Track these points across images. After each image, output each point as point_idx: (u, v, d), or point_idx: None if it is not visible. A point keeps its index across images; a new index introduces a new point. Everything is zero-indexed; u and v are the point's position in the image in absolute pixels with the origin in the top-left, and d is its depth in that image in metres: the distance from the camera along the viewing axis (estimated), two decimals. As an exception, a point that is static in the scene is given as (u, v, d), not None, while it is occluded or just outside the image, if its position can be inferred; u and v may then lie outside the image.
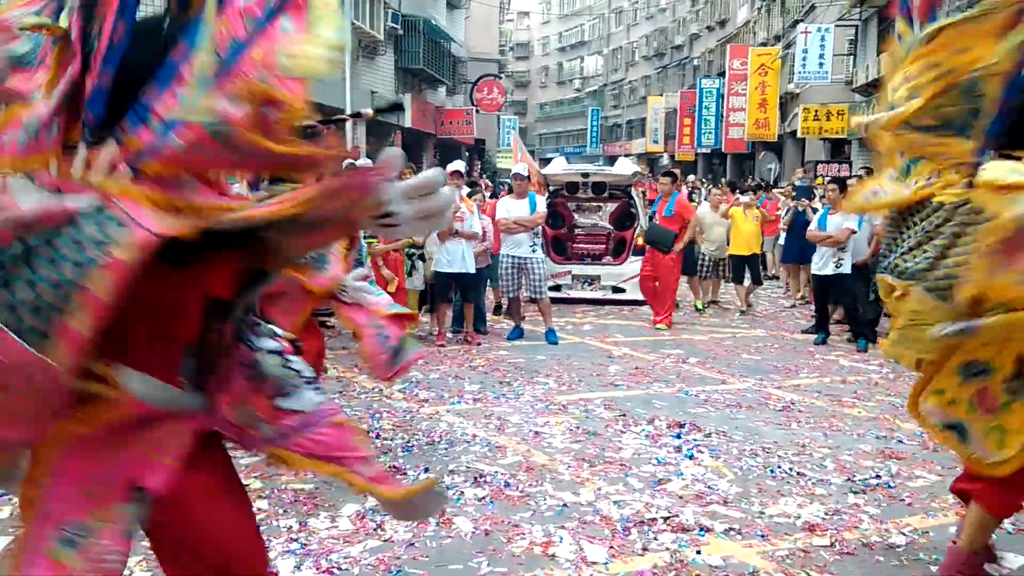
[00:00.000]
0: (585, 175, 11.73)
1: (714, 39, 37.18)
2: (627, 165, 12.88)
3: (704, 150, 34.60)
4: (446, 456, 4.72)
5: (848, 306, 8.62)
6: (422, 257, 8.08)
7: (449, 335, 8.43)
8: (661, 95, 42.66)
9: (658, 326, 9.20)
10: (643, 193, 13.46)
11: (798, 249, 10.39)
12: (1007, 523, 3.54)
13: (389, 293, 7.23)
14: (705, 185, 17.47)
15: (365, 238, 7.41)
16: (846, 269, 8.31)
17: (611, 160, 44.28)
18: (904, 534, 3.74)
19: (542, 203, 8.64)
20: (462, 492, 4.13)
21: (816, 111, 22.35)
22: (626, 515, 3.88)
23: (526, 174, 8.92)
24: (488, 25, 36.82)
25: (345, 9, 17.59)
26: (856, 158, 21.22)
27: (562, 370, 7.08)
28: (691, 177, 12.75)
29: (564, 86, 58.41)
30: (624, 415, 5.63)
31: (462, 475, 4.38)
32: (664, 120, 40.58)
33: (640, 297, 11.03)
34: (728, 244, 10.71)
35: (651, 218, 9.43)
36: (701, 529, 3.74)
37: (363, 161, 9.83)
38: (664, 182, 9.77)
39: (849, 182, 11.61)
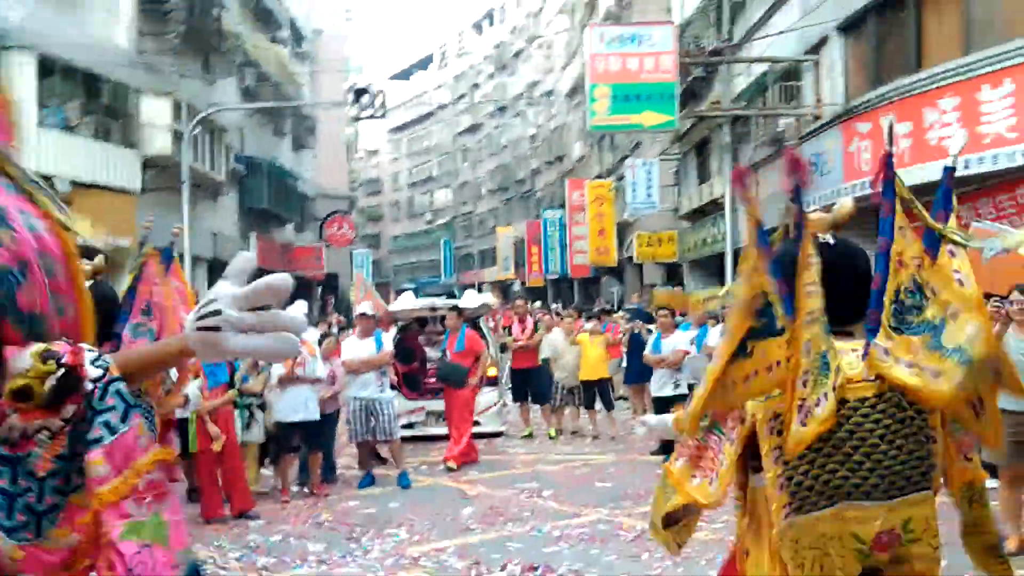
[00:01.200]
0: (433, 308, 11.82)
1: (554, 172, 39.39)
2: (474, 297, 13.12)
3: (552, 276, 35.92)
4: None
5: (691, 425, 8.94)
6: (261, 406, 7.72)
7: (295, 488, 8.00)
8: (509, 225, 44.34)
9: (448, 464, 8.80)
10: (498, 321, 13.70)
11: (639, 369, 10.79)
12: None
13: (212, 452, 6.85)
14: (551, 312, 18.03)
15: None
16: (683, 390, 8.67)
17: (466, 287, 45.16)
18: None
19: (388, 341, 8.58)
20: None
21: (648, 238, 23.87)
22: None
23: (371, 313, 8.87)
24: (337, 163, 37.41)
25: (184, 151, 17.39)
26: (688, 279, 22.66)
27: (415, 517, 6.84)
28: (536, 304, 13.14)
29: (416, 219, 59.66)
30: (477, 563, 5.46)
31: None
32: (513, 248, 42.04)
33: (496, 428, 11.04)
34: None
35: (443, 355, 9.41)
36: None
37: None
38: (451, 316, 9.69)
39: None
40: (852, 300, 2.05)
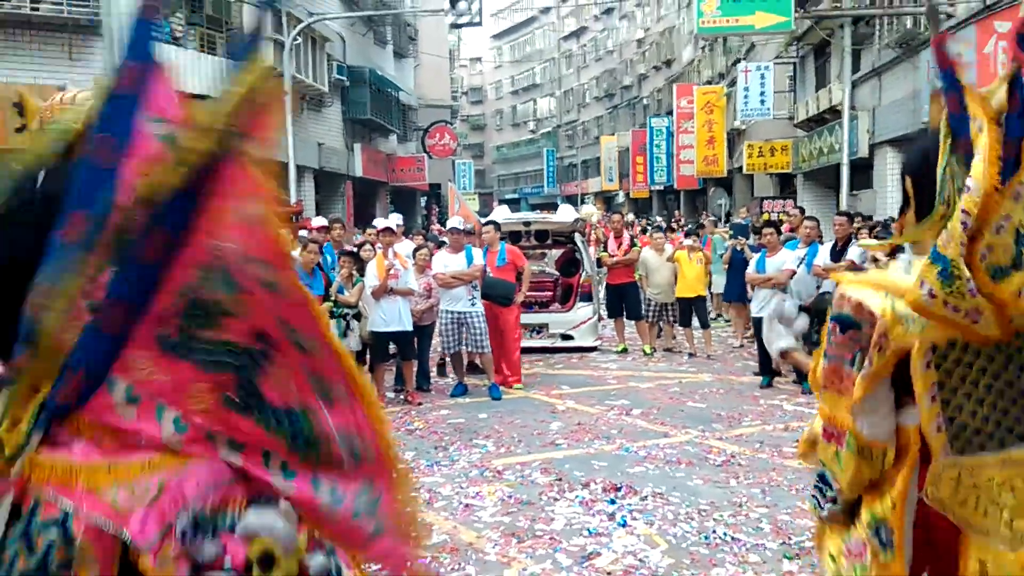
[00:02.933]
0: (527, 224, 11.67)
1: (662, 78, 37.84)
2: (569, 211, 12.87)
3: (658, 187, 34.96)
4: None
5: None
6: (357, 316, 7.86)
7: (391, 395, 8.19)
8: (613, 134, 43.20)
9: (517, 385, 8.61)
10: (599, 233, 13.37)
11: (740, 287, 10.40)
12: None
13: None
14: (652, 224, 17.50)
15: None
16: (787, 311, 8.26)
17: (569, 199, 44.66)
18: (837, 604, 3.59)
19: (479, 255, 8.51)
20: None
21: (760, 147, 22.69)
22: (549, 598, 3.68)
23: (463, 227, 8.79)
24: (439, 72, 37.07)
25: (286, 62, 17.54)
26: (802, 192, 21.54)
27: (502, 429, 6.89)
28: (629, 217, 12.50)
29: (519, 128, 58.98)
30: (560, 479, 5.45)
31: (381, 561, 4.15)
32: (618, 159, 41.05)
33: (590, 343, 10.96)
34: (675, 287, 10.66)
35: (483, 271, 8.85)
36: (627, 610, 3.55)
37: (318, 221, 9.64)
38: (488, 231, 9.26)
39: (792, 215, 11.74)
40: None
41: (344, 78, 22.59)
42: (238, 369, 1.23)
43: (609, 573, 3.96)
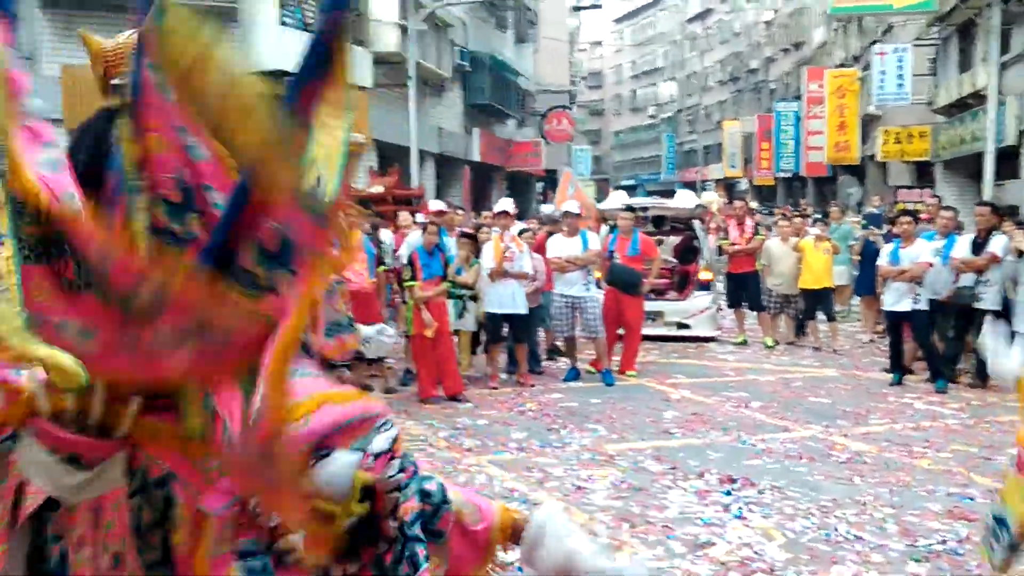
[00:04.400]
0: (645, 209, 11.52)
1: (790, 62, 36.38)
2: (689, 197, 12.60)
3: (784, 174, 33.71)
4: (481, 513, 4.58)
5: (925, 344, 8.11)
6: (474, 298, 8.00)
7: (504, 376, 8.31)
8: (737, 119, 41.90)
9: (629, 373, 8.47)
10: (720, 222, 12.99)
11: (871, 279, 9.95)
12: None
13: (427, 338, 7.21)
14: (776, 213, 16.85)
15: (405, 281, 7.41)
16: (923, 305, 7.84)
17: (688, 185, 43.77)
18: (969, 613, 3.40)
19: (595, 240, 8.47)
20: (491, 555, 3.98)
21: (897, 134, 21.47)
22: (662, 584, 3.65)
23: (578, 211, 8.77)
24: (558, 56, 36.95)
25: (411, 47, 17.92)
26: (941, 181, 20.27)
27: (615, 415, 6.86)
28: (743, 203, 11.88)
29: (638, 113, 58.12)
30: (674, 468, 5.38)
31: (494, 535, 4.23)
32: (741, 144, 39.82)
33: (707, 333, 10.72)
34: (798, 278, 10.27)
35: (610, 257, 8.70)
36: (742, 602, 3.48)
37: (435, 204, 9.85)
38: (625, 217, 9.06)
39: (929, 205, 11.07)
40: None
41: (466, 63, 22.89)
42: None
43: (723, 563, 3.89)
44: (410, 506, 1.33)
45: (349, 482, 1.26)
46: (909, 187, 20.66)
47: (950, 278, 7.90)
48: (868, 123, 25.48)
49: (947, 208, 8.84)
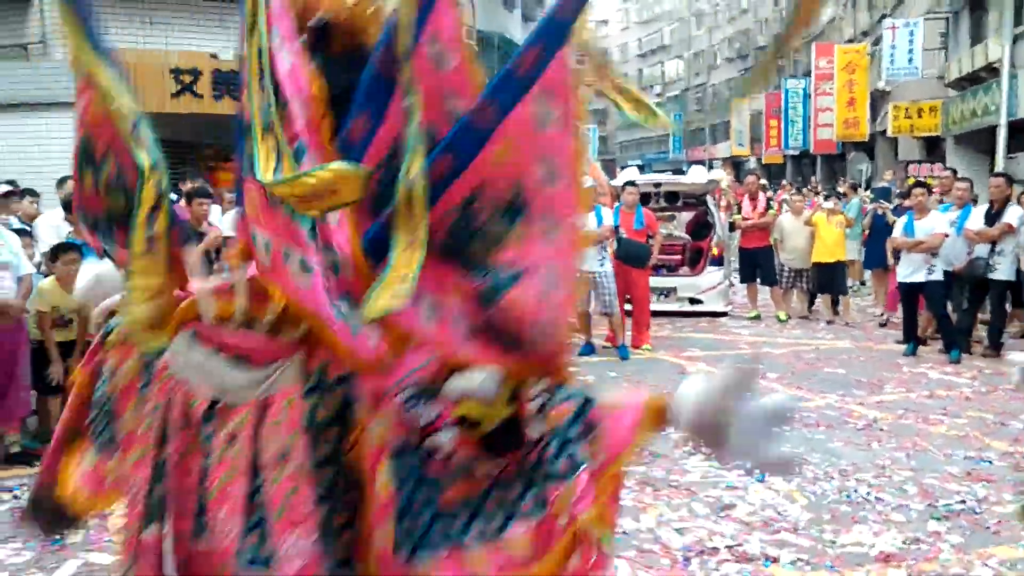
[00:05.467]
0: (657, 185, 11.56)
1: (799, 37, 36.11)
2: (701, 173, 12.62)
3: (792, 152, 33.60)
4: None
5: (940, 314, 8.17)
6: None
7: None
8: (745, 97, 41.70)
9: (645, 346, 8.61)
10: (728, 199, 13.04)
11: (881, 252, 10.01)
12: None
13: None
14: (789, 190, 16.85)
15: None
16: (938, 276, 7.89)
17: (695, 163, 43.60)
18: (988, 566, 3.50)
19: (609, 216, 8.54)
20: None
21: (907, 108, 21.35)
22: (687, 543, 3.76)
23: (591, 186, 8.82)
24: (565, 36, 36.77)
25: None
26: (952, 156, 20.20)
27: (633, 387, 6.96)
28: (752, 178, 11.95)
29: (644, 92, 57.64)
30: (693, 435, 5.47)
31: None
32: (749, 122, 39.64)
33: (719, 308, 10.79)
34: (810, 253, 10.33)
35: (616, 230, 8.76)
36: (766, 559, 3.59)
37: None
38: (631, 192, 9.16)
39: (943, 178, 11.08)
40: None
41: (473, 42, 22.82)
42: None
43: (747, 523, 4.00)
44: (565, 408, 1.40)
45: (496, 386, 1.34)
46: (919, 162, 20.58)
47: (965, 249, 7.95)
48: (877, 99, 25.36)
49: (963, 179, 8.87)
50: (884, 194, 13.00)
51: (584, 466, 1.35)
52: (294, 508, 1.40)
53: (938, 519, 4.00)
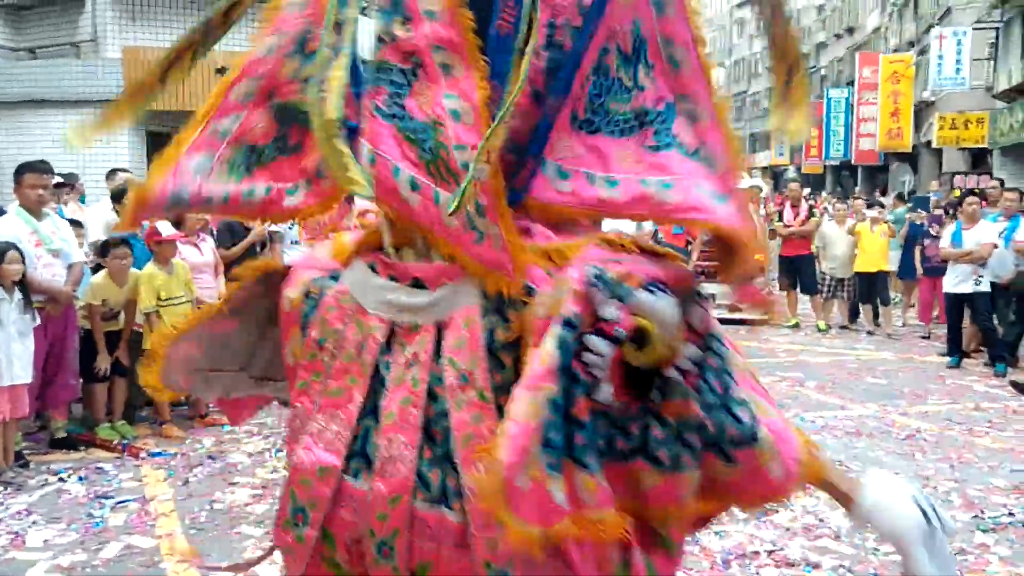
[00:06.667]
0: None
1: (842, 47, 35.69)
2: (743, 179, 12.51)
3: (833, 162, 33.16)
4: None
5: (986, 327, 8.00)
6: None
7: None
8: (785, 107, 41.21)
9: None
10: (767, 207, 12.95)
11: (912, 263, 9.88)
12: None
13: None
14: (829, 200, 16.66)
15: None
16: (985, 287, 7.73)
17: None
18: (1039, 580, 3.41)
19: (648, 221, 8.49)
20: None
21: (953, 119, 20.97)
22: (727, 547, 3.72)
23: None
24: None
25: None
26: (998, 169, 19.78)
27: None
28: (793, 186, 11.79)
29: (684, 101, 57.49)
30: (732, 440, 5.41)
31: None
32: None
33: (759, 315, 10.63)
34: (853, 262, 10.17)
35: (655, 234, 8.80)
36: (808, 565, 3.54)
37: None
38: None
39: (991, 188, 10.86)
40: None
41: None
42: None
43: (788, 529, 3.94)
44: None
45: (675, 318, 1.32)
46: (964, 173, 20.17)
47: (1012, 261, 7.77)
48: (920, 110, 24.96)
49: (1011, 190, 8.68)
50: (922, 203, 12.78)
51: (733, 387, 1.37)
52: (480, 438, 1.33)
53: (985, 531, 3.91)
